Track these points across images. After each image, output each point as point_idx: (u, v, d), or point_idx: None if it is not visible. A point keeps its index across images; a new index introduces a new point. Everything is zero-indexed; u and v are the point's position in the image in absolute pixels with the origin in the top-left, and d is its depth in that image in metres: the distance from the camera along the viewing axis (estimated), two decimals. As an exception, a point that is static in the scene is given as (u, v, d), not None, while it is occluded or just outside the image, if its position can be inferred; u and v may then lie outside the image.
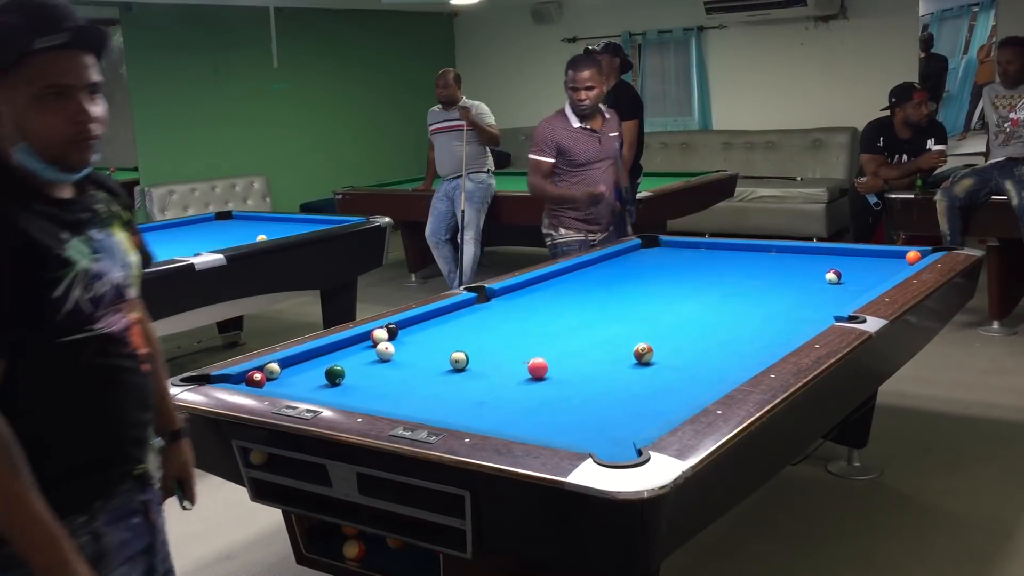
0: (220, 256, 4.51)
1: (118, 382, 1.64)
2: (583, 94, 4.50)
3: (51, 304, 1.51)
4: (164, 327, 4.47)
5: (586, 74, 4.50)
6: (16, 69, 1.49)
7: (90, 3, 7.87)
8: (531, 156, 4.65)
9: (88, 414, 1.61)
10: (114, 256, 1.64)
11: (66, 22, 1.52)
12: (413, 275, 7.78)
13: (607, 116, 4.72)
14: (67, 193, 1.61)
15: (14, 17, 1.50)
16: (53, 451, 1.54)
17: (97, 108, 1.57)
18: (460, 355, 2.63)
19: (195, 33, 8.33)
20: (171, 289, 4.33)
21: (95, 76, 1.56)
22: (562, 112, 4.65)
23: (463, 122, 6.58)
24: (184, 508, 1.96)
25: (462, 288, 3.52)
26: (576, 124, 4.57)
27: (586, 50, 5.60)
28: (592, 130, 4.60)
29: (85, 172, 1.61)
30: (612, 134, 4.70)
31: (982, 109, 5.94)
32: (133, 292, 1.70)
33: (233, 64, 8.59)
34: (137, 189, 8.18)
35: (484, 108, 6.70)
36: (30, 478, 1.46)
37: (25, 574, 1.48)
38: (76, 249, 1.56)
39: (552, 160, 4.58)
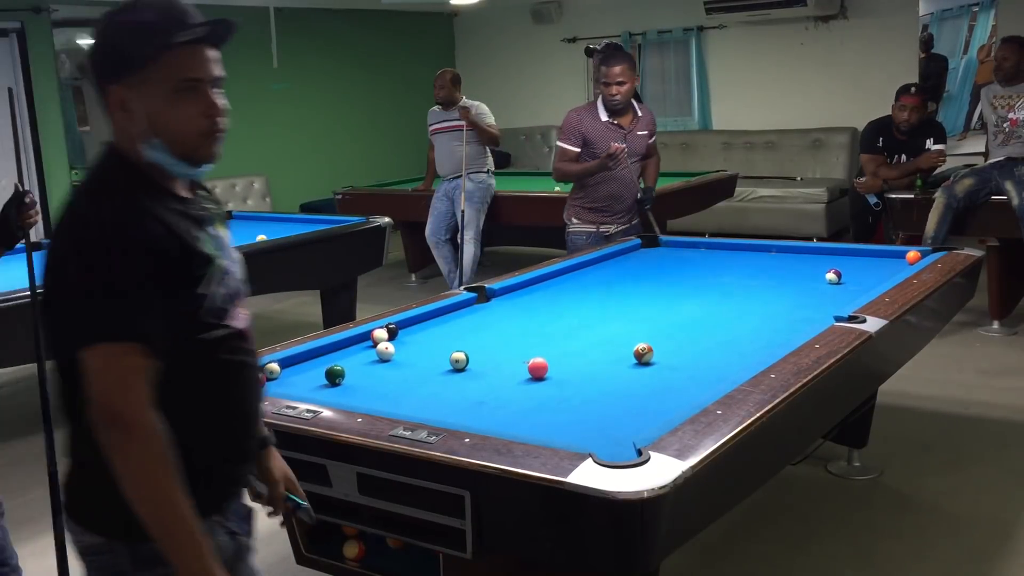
0: (220, 256, 4.51)
1: (246, 377, 1.65)
2: (614, 89, 4.50)
3: (197, 301, 1.52)
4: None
5: (617, 69, 4.49)
6: (151, 64, 1.50)
7: (90, 3, 7.87)
8: (558, 144, 4.70)
9: (223, 410, 1.61)
10: (227, 253, 1.64)
11: (194, 17, 1.54)
12: (413, 275, 7.78)
13: (639, 114, 4.70)
14: (185, 191, 1.61)
15: (148, 14, 1.52)
16: (195, 451, 1.53)
17: (223, 102, 1.59)
18: (460, 355, 2.63)
19: (195, 33, 8.31)
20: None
21: (220, 70, 1.59)
22: (593, 104, 4.67)
23: (463, 122, 6.58)
24: (310, 519, 1.88)
25: (462, 288, 3.52)
26: (604, 118, 4.58)
27: (587, 49, 5.60)
28: (619, 126, 4.61)
29: (210, 167, 1.61)
30: (640, 133, 4.69)
31: (981, 110, 5.94)
32: (246, 288, 1.70)
33: (233, 64, 8.53)
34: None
35: (484, 108, 6.70)
36: (182, 481, 1.46)
37: (166, 573, 1.47)
38: (208, 246, 1.56)
39: (577, 149, 4.60)
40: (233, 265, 1.64)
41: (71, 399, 1.52)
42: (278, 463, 1.86)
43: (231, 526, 1.65)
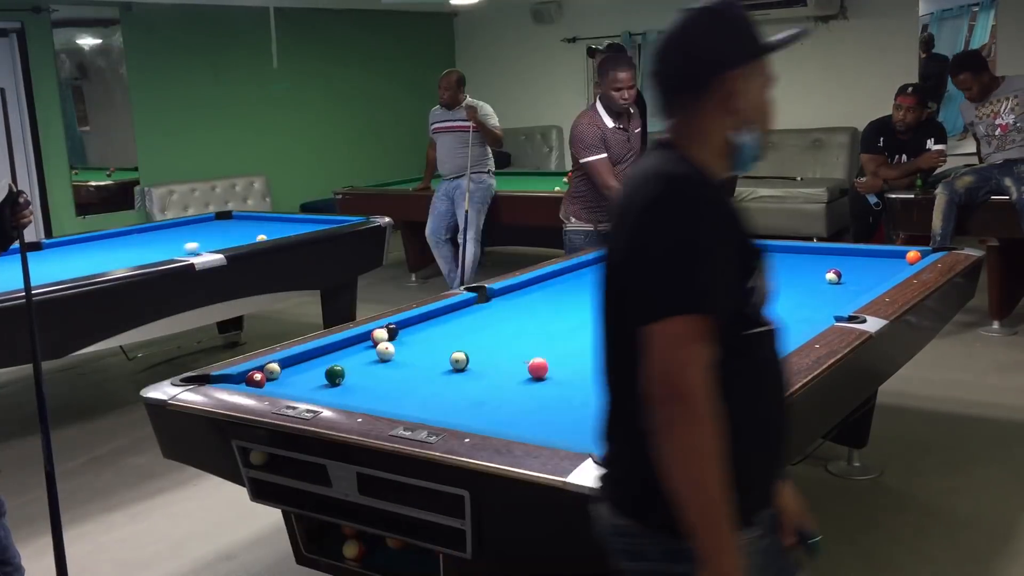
0: (220, 256, 4.52)
1: (783, 382, 1.60)
2: (626, 93, 4.60)
3: (747, 293, 1.49)
4: (164, 327, 4.47)
5: (627, 75, 4.62)
6: (763, 59, 1.58)
7: (90, 3, 7.88)
8: (590, 159, 4.60)
9: (761, 414, 1.52)
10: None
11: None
12: (413, 275, 7.78)
13: (632, 111, 4.80)
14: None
15: (744, 19, 1.59)
16: (738, 454, 1.42)
17: None
18: (460, 355, 2.63)
19: (195, 33, 8.32)
20: (171, 289, 4.33)
21: None
22: (595, 110, 4.69)
23: (466, 123, 6.56)
24: (815, 556, 1.66)
25: (462, 288, 3.53)
26: (610, 124, 4.62)
27: (589, 49, 5.64)
28: (624, 129, 4.70)
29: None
30: (637, 130, 4.82)
31: (966, 122, 5.96)
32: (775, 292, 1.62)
33: (233, 64, 8.58)
34: (137, 189, 8.18)
35: (488, 109, 6.69)
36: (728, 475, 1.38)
37: (689, 570, 1.41)
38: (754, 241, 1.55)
39: (607, 155, 4.61)
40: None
41: (624, 373, 1.49)
42: (787, 487, 1.69)
43: (766, 545, 1.54)
